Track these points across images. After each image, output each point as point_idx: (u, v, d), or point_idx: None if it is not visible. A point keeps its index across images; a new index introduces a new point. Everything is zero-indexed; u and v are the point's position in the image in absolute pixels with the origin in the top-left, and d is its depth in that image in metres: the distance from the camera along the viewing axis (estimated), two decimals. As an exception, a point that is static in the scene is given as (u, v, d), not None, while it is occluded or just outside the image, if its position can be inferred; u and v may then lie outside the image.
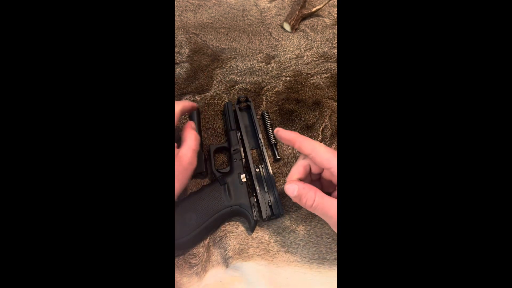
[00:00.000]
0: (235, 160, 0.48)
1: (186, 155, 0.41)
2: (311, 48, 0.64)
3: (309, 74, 0.60)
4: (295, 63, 0.62)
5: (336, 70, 0.61)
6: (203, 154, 0.49)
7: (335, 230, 0.35)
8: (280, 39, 0.65)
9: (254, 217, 0.44)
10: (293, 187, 0.36)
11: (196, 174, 0.47)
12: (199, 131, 0.51)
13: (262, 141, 0.49)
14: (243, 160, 0.48)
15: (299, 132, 0.52)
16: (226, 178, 0.46)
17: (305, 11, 0.67)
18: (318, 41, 0.65)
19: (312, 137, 0.52)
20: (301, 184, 0.36)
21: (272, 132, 0.51)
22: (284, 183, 0.42)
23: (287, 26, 0.66)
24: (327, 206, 0.34)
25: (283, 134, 0.39)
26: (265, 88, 0.58)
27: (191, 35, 0.64)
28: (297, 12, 0.66)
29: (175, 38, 0.63)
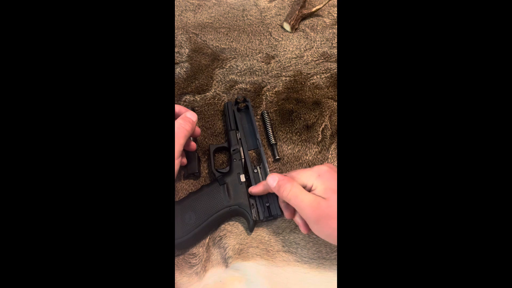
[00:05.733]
0: (234, 160, 0.48)
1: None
2: (311, 48, 0.64)
3: (309, 74, 0.60)
4: (295, 63, 0.62)
5: (336, 70, 0.61)
6: (197, 155, 0.49)
7: (308, 222, 0.38)
8: (280, 39, 0.65)
9: (253, 217, 0.44)
10: (274, 178, 0.40)
11: (189, 174, 0.48)
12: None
13: (261, 142, 0.49)
14: (243, 160, 0.48)
15: (299, 132, 0.52)
16: (226, 178, 0.46)
17: (305, 11, 0.67)
18: (318, 41, 0.65)
19: (312, 137, 0.52)
20: (281, 176, 0.40)
21: (272, 132, 0.51)
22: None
23: (287, 26, 0.66)
24: (299, 199, 0.37)
25: (255, 190, 0.44)
26: (265, 88, 0.58)
27: (191, 35, 0.64)
28: (297, 12, 0.66)
29: (175, 38, 0.63)
